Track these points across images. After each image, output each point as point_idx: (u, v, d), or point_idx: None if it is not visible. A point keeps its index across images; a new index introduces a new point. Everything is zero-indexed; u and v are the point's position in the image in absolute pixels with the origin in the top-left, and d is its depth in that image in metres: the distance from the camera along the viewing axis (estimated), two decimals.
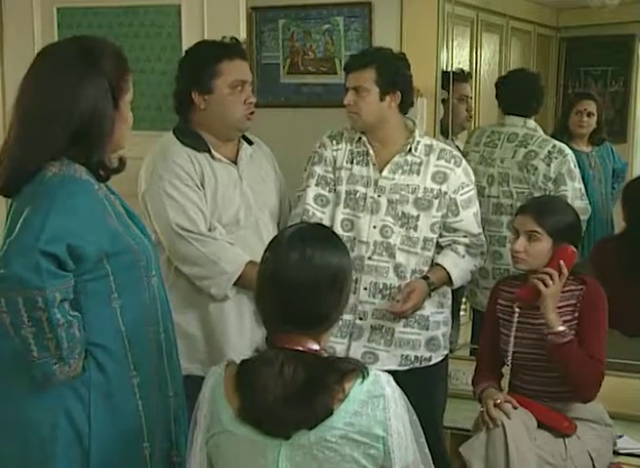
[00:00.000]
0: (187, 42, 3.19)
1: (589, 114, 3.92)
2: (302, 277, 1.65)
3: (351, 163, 2.83)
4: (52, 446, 1.83)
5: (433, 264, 2.84)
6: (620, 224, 3.66)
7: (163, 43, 3.29)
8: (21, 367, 1.83)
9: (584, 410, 2.67)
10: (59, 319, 1.76)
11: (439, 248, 2.86)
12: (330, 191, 2.85)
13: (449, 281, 2.84)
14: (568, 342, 2.55)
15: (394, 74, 2.77)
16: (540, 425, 2.60)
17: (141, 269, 1.92)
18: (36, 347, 1.77)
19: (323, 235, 1.77)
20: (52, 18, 3.38)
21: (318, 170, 2.86)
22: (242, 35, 3.12)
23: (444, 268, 2.82)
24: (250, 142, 2.89)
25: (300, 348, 1.66)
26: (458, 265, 2.83)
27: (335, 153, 2.85)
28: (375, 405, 1.64)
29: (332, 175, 2.85)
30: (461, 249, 2.84)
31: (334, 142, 2.87)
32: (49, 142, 1.81)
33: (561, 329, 2.55)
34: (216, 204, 2.73)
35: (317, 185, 2.85)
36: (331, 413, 1.61)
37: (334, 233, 1.89)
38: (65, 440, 1.83)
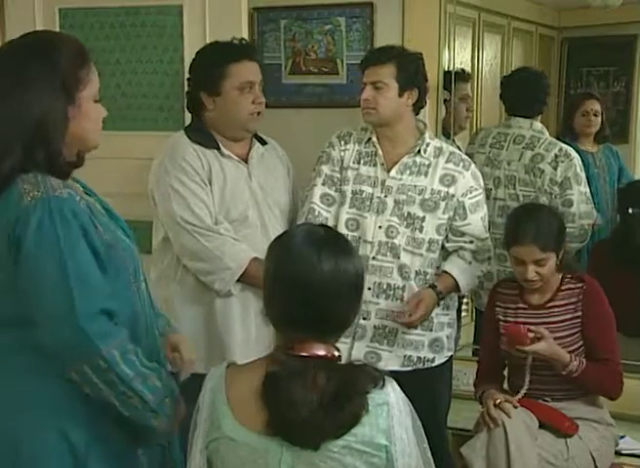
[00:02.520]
0: (189, 42, 3.19)
1: (595, 114, 3.93)
2: (328, 285, 1.62)
3: (358, 163, 2.83)
4: (45, 463, 1.79)
5: (440, 271, 2.82)
6: None
7: (165, 43, 3.28)
8: (13, 383, 1.80)
9: (586, 411, 2.67)
10: (128, 374, 1.74)
11: (445, 252, 2.84)
12: (336, 191, 2.85)
13: (456, 288, 2.83)
14: (583, 372, 2.57)
15: (414, 71, 2.79)
16: (542, 425, 2.60)
17: (130, 276, 1.87)
18: (123, 408, 1.76)
19: (335, 240, 1.74)
20: (54, 18, 3.37)
21: (325, 169, 2.87)
22: (244, 36, 3.12)
23: (451, 275, 2.81)
24: (264, 143, 2.91)
25: (324, 354, 1.64)
26: (465, 272, 2.82)
27: (342, 153, 2.86)
28: (378, 413, 1.62)
29: (339, 175, 2.85)
30: (468, 255, 2.83)
31: (342, 142, 2.87)
32: (8, 147, 1.76)
33: (574, 364, 2.56)
34: (224, 200, 2.74)
35: (324, 185, 2.86)
36: (359, 420, 1.59)
37: (342, 236, 1.87)
38: (59, 456, 1.79)
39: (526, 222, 2.66)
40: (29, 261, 1.72)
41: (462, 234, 2.81)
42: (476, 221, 2.82)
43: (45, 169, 1.77)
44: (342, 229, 2.79)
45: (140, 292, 1.91)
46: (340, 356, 1.68)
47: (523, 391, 2.64)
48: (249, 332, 2.72)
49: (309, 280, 1.63)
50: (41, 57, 1.80)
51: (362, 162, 2.83)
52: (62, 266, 1.71)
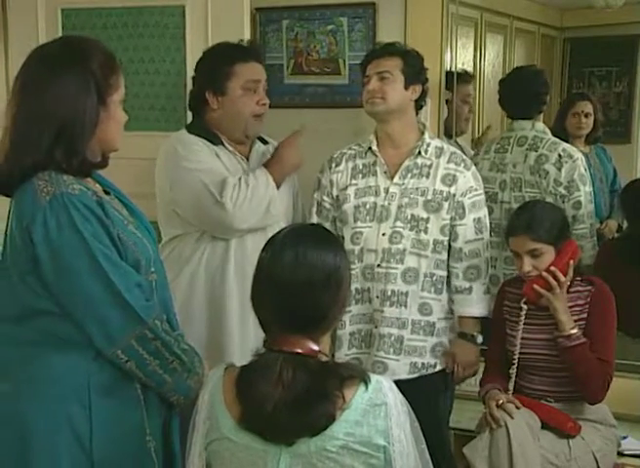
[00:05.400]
0: (191, 43, 3.19)
1: (587, 115, 3.93)
2: (296, 276, 1.63)
3: (356, 178, 2.83)
4: (53, 450, 1.83)
5: (455, 316, 2.84)
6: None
7: (167, 44, 3.28)
8: (23, 370, 1.84)
9: (589, 411, 2.67)
10: (169, 340, 1.89)
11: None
12: (326, 218, 2.88)
13: (478, 318, 2.84)
14: (578, 345, 2.56)
15: (419, 67, 2.80)
16: (545, 426, 2.59)
17: (141, 269, 1.93)
18: (167, 374, 1.89)
19: (316, 234, 1.76)
20: (56, 19, 3.38)
21: (316, 196, 2.91)
22: (246, 36, 3.12)
23: (463, 316, 2.83)
24: (265, 143, 2.91)
25: (299, 350, 1.64)
26: (472, 303, 2.81)
27: (333, 176, 2.86)
28: (376, 413, 1.62)
29: (329, 201, 2.87)
30: (462, 283, 2.81)
31: (333, 165, 2.87)
32: (35, 142, 1.83)
33: (572, 332, 2.56)
34: None
35: (318, 215, 2.90)
36: (333, 421, 1.59)
37: (328, 232, 1.88)
38: (66, 443, 1.83)
39: (519, 214, 2.69)
40: (57, 258, 1.80)
41: (455, 236, 2.79)
42: (469, 222, 2.80)
43: (62, 168, 1.84)
44: (348, 245, 2.78)
45: (153, 284, 1.97)
46: (318, 351, 1.66)
47: (512, 383, 2.65)
48: (247, 333, 2.70)
49: (278, 274, 1.65)
50: (71, 62, 1.87)
51: (360, 176, 2.83)
52: (91, 254, 1.80)
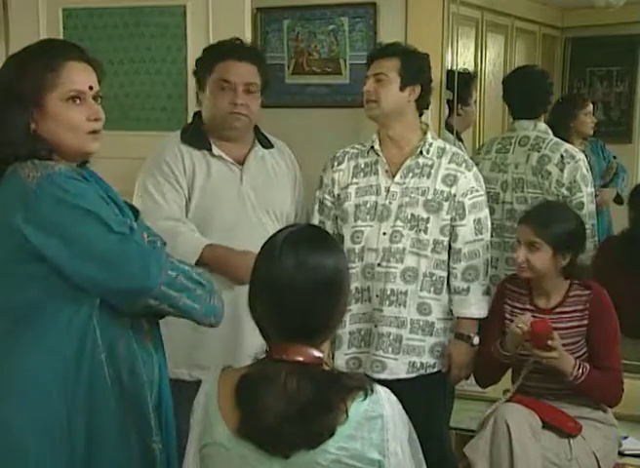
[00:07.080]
0: (192, 43, 3.19)
1: (592, 114, 3.95)
2: (297, 282, 1.59)
3: (357, 177, 2.83)
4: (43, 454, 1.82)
5: (454, 317, 2.83)
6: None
7: (168, 44, 3.29)
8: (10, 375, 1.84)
9: (589, 410, 2.67)
10: (187, 268, 1.91)
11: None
12: (327, 216, 2.88)
13: (476, 319, 2.83)
14: (585, 378, 2.57)
15: (418, 68, 2.79)
16: (546, 425, 2.59)
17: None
18: (196, 303, 1.90)
19: (315, 237, 1.71)
20: (57, 18, 3.38)
21: (319, 195, 2.91)
22: (247, 36, 3.12)
23: (462, 317, 2.81)
24: (269, 146, 2.87)
25: (302, 358, 1.60)
26: (469, 304, 2.80)
27: (335, 175, 2.86)
28: (371, 426, 1.56)
29: (330, 199, 2.87)
30: (460, 283, 2.80)
31: (335, 163, 2.87)
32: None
33: (575, 373, 2.56)
34: (204, 198, 2.71)
35: (320, 213, 2.90)
36: (333, 434, 1.54)
37: (327, 234, 1.86)
38: (52, 445, 1.82)
39: (538, 207, 2.75)
40: (62, 233, 1.78)
41: (455, 237, 2.78)
42: (470, 222, 2.80)
43: (37, 157, 1.83)
44: (349, 243, 2.78)
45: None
46: (321, 358, 1.62)
47: (516, 385, 2.65)
48: (239, 339, 2.62)
49: (280, 280, 1.60)
50: (9, 65, 1.89)
51: (362, 174, 2.83)
52: (96, 216, 1.80)
